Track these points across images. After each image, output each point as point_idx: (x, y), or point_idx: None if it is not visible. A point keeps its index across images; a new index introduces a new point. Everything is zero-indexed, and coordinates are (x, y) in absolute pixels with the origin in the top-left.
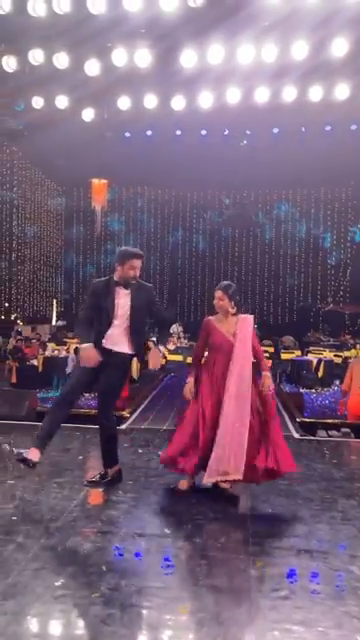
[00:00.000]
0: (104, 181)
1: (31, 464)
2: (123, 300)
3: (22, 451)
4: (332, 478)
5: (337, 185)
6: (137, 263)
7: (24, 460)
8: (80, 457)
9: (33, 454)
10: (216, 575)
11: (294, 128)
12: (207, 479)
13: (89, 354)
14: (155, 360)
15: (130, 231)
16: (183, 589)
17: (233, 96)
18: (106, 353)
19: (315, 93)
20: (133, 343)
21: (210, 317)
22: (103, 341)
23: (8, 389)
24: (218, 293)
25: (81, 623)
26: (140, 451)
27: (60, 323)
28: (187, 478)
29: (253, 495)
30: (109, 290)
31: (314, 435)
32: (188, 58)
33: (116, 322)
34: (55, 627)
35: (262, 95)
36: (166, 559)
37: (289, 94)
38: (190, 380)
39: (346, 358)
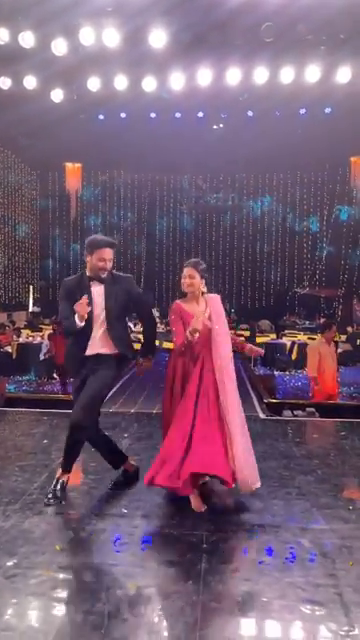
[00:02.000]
0: (78, 165)
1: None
2: (99, 298)
3: (57, 488)
4: (293, 456)
5: (313, 169)
6: (107, 253)
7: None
8: (45, 441)
9: (65, 477)
10: (168, 551)
11: (268, 111)
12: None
13: (78, 307)
14: (141, 370)
15: (106, 215)
16: (135, 565)
17: (205, 78)
18: (92, 359)
19: (286, 75)
20: (118, 346)
21: (178, 301)
22: (87, 348)
23: None
24: (188, 270)
25: (32, 601)
26: (107, 434)
27: (36, 309)
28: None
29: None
30: (82, 288)
31: (280, 415)
32: (157, 38)
33: (96, 324)
34: (6, 605)
35: (234, 77)
36: (118, 538)
37: (260, 76)
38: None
39: None
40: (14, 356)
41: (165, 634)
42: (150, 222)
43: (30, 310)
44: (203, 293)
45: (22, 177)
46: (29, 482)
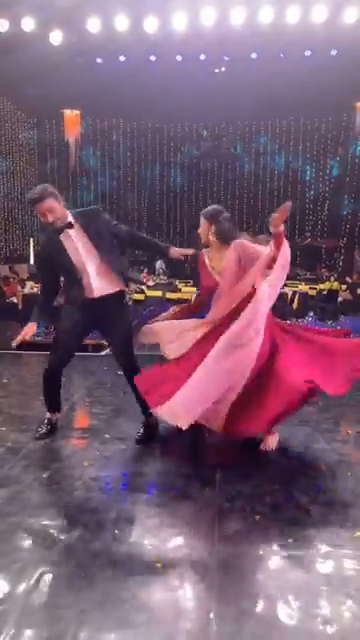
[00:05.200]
0: (77, 112)
1: (54, 420)
2: (75, 244)
3: (46, 424)
4: None
5: (316, 115)
6: (41, 208)
7: (49, 424)
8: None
9: (56, 416)
10: (187, 465)
11: (273, 53)
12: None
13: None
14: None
15: (105, 165)
16: (156, 474)
17: (208, 18)
18: (97, 303)
19: (293, 15)
20: (116, 277)
21: (203, 250)
22: (87, 295)
23: None
24: (200, 219)
25: (66, 507)
26: (119, 373)
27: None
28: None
29: None
30: (56, 244)
31: None
32: None
33: (86, 270)
34: (43, 510)
35: (238, 16)
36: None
37: (266, 15)
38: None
39: (320, 290)
40: (20, 307)
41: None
42: (150, 172)
43: (32, 262)
44: (223, 241)
45: (19, 125)
46: None
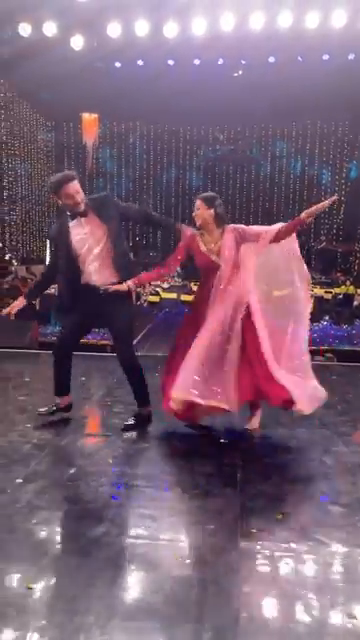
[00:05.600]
0: (95, 115)
1: (63, 407)
2: (84, 230)
3: (52, 406)
4: None
5: (333, 119)
6: (71, 187)
7: (60, 409)
8: (83, 378)
9: (63, 401)
10: (209, 462)
11: (291, 57)
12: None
13: (13, 304)
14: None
15: (122, 167)
16: (180, 474)
17: (227, 23)
18: (97, 295)
19: (312, 19)
20: (120, 270)
21: (196, 232)
22: (85, 283)
23: (12, 321)
24: (197, 202)
25: (92, 503)
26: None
27: None
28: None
29: None
30: (64, 229)
31: None
32: None
33: (88, 258)
34: (70, 505)
35: (257, 21)
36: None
37: (285, 20)
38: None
39: (336, 294)
40: (37, 307)
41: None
42: (166, 174)
43: (47, 263)
44: (218, 224)
45: (37, 128)
46: (75, 410)
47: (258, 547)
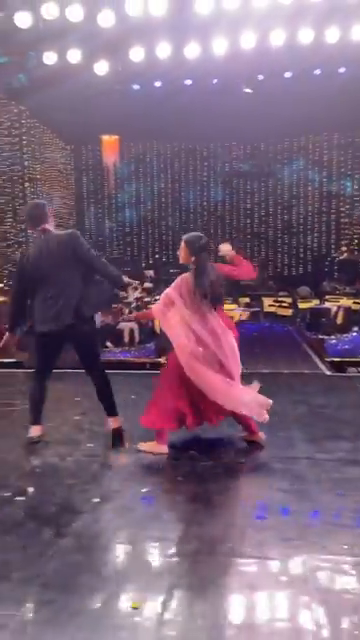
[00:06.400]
0: (115, 137)
1: (36, 439)
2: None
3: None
4: None
5: (350, 129)
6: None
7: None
8: (133, 396)
9: (34, 431)
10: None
11: (307, 71)
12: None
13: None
14: None
15: (141, 187)
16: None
17: (248, 41)
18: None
19: (332, 35)
20: (77, 308)
21: (187, 274)
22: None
23: None
24: (181, 244)
25: (172, 520)
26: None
27: None
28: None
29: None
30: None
31: (343, 372)
32: (203, 3)
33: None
34: (150, 522)
35: (277, 38)
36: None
37: (306, 36)
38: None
39: None
40: None
41: None
42: (183, 192)
43: None
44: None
45: (57, 152)
46: (135, 428)
47: (288, 554)
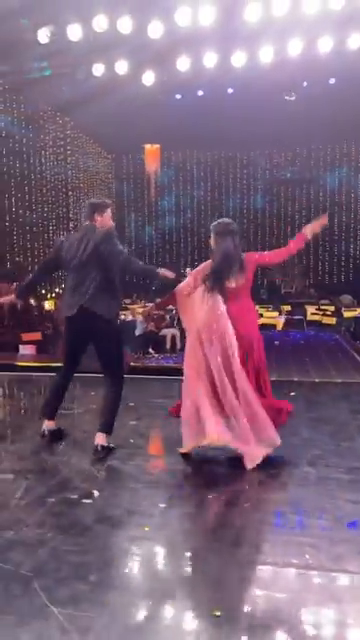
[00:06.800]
0: (157, 146)
1: (49, 432)
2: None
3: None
4: None
5: None
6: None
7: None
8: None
9: (48, 425)
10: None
11: (352, 78)
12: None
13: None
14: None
15: (180, 195)
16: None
17: (295, 48)
18: (89, 316)
19: None
20: (105, 304)
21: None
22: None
23: None
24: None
25: (242, 527)
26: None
27: None
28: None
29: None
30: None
31: None
32: (253, 11)
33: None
34: (222, 525)
35: (325, 44)
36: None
37: (354, 42)
38: None
39: None
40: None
41: None
42: (224, 199)
43: None
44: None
45: (99, 162)
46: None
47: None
